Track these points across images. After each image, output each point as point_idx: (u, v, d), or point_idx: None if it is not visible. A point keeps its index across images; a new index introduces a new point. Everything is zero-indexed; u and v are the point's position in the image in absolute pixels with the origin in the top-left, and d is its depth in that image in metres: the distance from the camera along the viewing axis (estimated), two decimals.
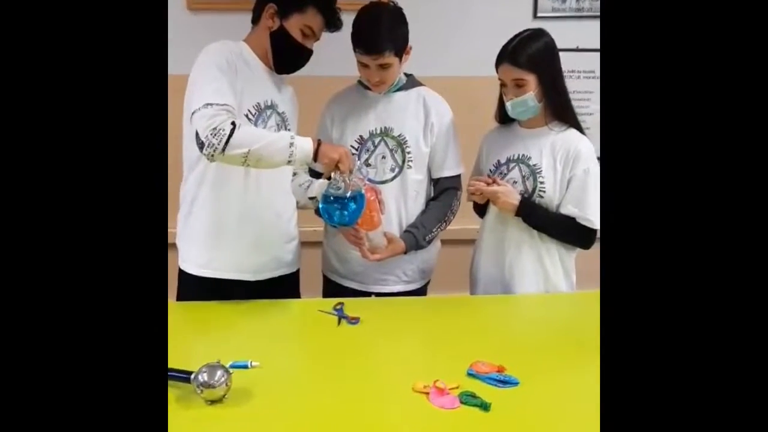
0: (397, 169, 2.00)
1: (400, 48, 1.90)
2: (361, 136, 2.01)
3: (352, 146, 2.01)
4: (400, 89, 2.01)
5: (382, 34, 1.86)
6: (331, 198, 1.73)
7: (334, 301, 1.86)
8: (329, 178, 1.75)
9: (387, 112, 2.01)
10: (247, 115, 1.83)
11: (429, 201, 2.07)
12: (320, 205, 1.74)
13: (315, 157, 1.71)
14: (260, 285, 1.93)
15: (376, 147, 2.00)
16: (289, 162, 1.69)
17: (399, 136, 1.99)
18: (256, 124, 1.85)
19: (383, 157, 2.00)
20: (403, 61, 1.95)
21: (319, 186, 1.95)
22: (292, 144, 1.68)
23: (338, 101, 2.07)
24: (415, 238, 2.00)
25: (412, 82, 2.05)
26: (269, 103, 1.89)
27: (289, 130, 1.96)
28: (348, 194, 1.72)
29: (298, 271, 2.07)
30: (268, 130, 1.87)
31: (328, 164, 1.71)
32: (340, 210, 1.72)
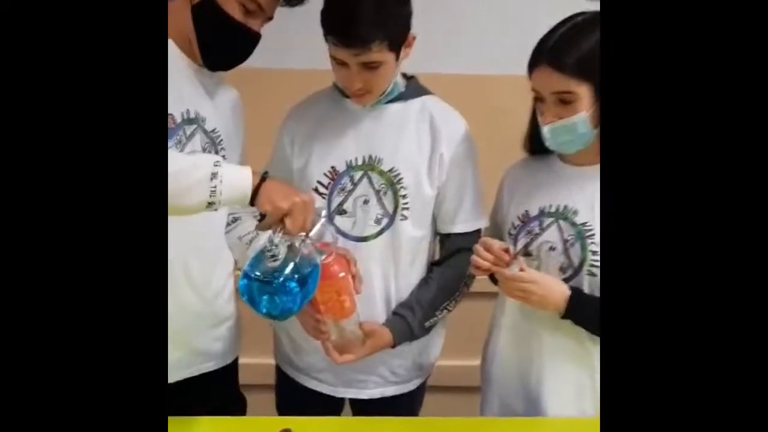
0: (385, 221, 1.33)
1: (397, 37, 1.24)
2: (333, 169, 1.34)
3: (320, 182, 1.34)
4: (395, 99, 1.34)
5: (366, 15, 1.19)
6: (258, 274, 1.06)
7: (276, 424, 1.19)
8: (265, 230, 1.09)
9: (374, 134, 1.34)
10: None
11: (432, 266, 1.40)
12: (240, 282, 1.08)
13: (253, 200, 1.06)
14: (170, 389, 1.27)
15: (355, 186, 1.33)
16: (209, 205, 1.04)
17: (391, 170, 1.32)
18: None
19: (365, 202, 1.33)
20: (401, 57, 1.28)
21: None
22: (215, 175, 1.03)
23: (302, 114, 1.40)
24: (408, 325, 1.33)
25: (414, 88, 1.37)
26: (190, 116, 1.23)
27: (223, 158, 1.29)
28: (287, 269, 1.06)
29: (235, 361, 1.42)
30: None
31: (272, 214, 1.05)
32: (271, 294, 1.06)
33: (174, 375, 1.27)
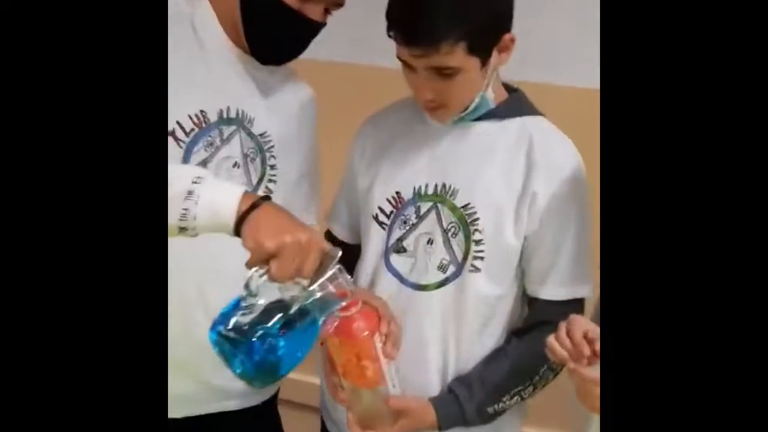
0: (451, 269, 1.04)
1: (481, 37, 0.94)
2: (398, 194, 1.08)
3: (381, 209, 1.09)
4: (484, 117, 1.04)
5: (436, 5, 0.91)
6: (228, 328, 0.84)
7: None
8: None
9: (453, 158, 1.05)
10: (173, 131, 1.01)
11: (511, 336, 1.09)
12: (210, 333, 0.86)
13: (238, 229, 0.84)
14: (201, 423, 1.12)
15: (420, 219, 1.06)
16: (182, 230, 0.85)
17: (466, 207, 1.03)
18: (188, 154, 1.02)
19: (429, 242, 1.05)
20: (492, 63, 0.98)
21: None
22: (190, 194, 0.83)
23: (379, 124, 1.15)
24: (460, 407, 1.03)
25: (514, 105, 1.06)
26: (230, 115, 1.05)
27: (272, 168, 1.10)
28: (271, 323, 0.83)
29: (269, 402, 1.22)
30: (226, 168, 1.05)
31: (253, 253, 0.83)
32: (245, 354, 0.84)
33: (183, 410, 1.11)
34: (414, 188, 1.06)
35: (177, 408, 1.10)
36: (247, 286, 0.83)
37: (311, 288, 0.85)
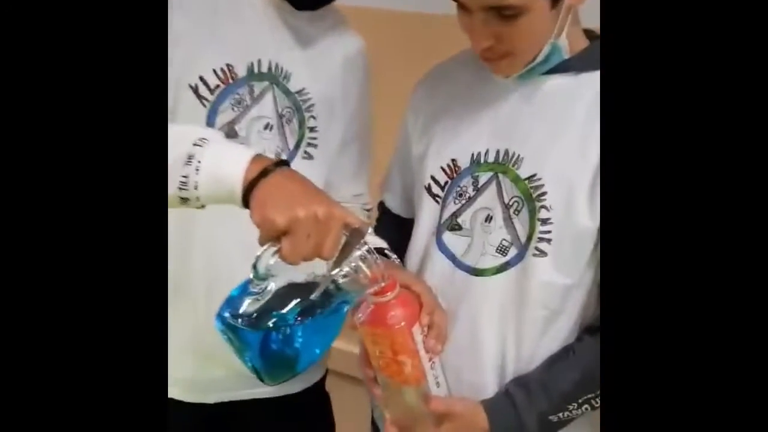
0: (512, 252, 0.88)
1: None
2: (454, 162, 0.92)
3: (434, 179, 0.94)
4: (556, 70, 0.87)
5: None
6: (241, 310, 0.72)
7: None
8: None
9: (518, 120, 0.89)
10: (195, 87, 0.90)
11: (581, 335, 0.91)
12: (216, 320, 0.74)
13: (247, 200, 0.72)
14: (235, 409, 1.03)
15: (478, 192, 0.90)
16: (183, 200, 0.73)
17: (531, 178, 0.86)
18: (214, 113, 0.91)
19: (488, 219, 0.89)
20: (564, 4, 0.81)
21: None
22: (191, 158, 0.72)
23: (436, 81, 1.00)
24: (515, 412, 0.88)
25: (593, 54, 0.87)
26: (262, 69, 0.93)
27: (312, 130, 0.98)
28: (287, 310, 0.71)
29: (316, 386, 1.12)
30: (257, 130, 0.94)
31: (261, 228, 0.71)
32: (256, 344, 0.72)
33: (215, 395, 1.02)
34: (472, 155, 0.91)
35: (208, 393, 1.02)
36: (254, 268, 0.71)
37: (335, 270, 0.72)
